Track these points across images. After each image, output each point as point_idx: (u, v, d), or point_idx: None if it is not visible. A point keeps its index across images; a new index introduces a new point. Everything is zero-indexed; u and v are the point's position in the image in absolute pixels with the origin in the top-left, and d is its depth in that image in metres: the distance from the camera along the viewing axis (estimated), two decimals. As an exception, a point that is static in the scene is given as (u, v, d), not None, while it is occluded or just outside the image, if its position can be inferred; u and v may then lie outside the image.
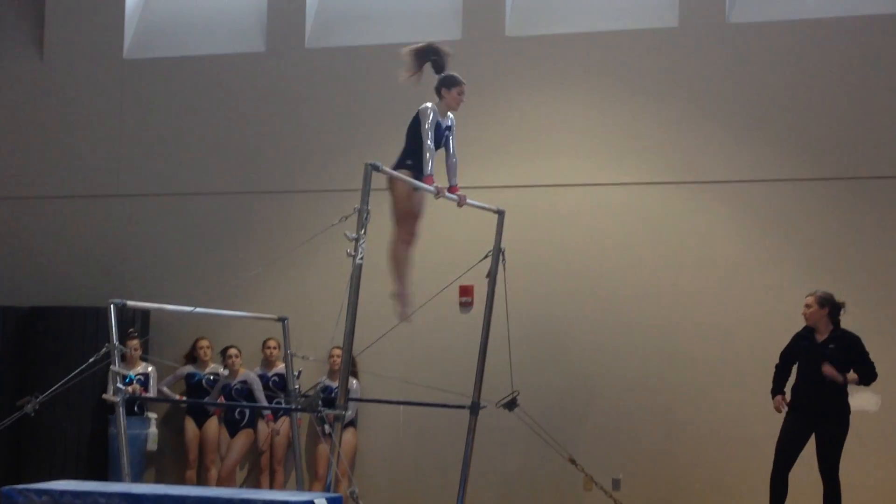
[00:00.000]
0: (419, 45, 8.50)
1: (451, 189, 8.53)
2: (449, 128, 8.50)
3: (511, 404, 9.47)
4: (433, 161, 8.19)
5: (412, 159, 8.24)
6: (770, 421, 9.12)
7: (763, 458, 9.07)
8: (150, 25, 12.58)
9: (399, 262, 8.59)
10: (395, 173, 8.10)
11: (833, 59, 10.54)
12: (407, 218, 8.47)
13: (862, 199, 10.35)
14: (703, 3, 10.89)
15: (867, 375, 8.86)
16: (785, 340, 9.19)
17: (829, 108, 10.50)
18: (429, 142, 8.16)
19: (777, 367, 9.17)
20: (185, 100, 12.27)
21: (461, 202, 8.59)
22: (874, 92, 10.40)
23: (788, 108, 10.60)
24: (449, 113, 8.50)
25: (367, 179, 7.51)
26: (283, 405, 10.39)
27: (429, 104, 8.33)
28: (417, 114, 8.30)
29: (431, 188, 8.16)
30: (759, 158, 10.62)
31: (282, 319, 9.91)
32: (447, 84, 8.41)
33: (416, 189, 8.25)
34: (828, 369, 8.75)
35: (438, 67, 8.44)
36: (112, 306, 7.79)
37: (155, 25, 12.58)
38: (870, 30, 10.46)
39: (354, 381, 10.77)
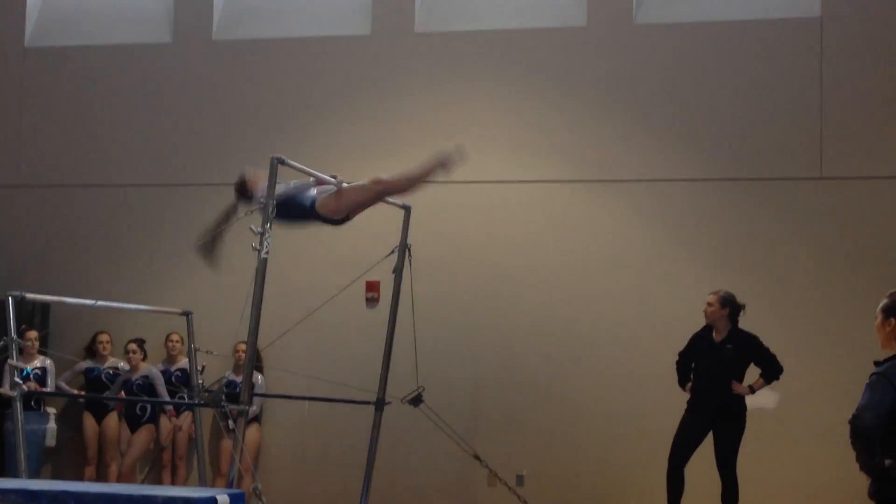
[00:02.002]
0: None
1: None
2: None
3: (416, 400, 9.48)
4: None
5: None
6: (672, 416, 9.23)
7: (665, 452, 9.18)
8: (53, 13, 12.35)
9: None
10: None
11: (734, 60, 10.72)
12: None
13: (762, 199, 10.53)
14: (611, 4, 11.00)
15: (773, 370, 9.00)
16: (687, 338, 9.32)
17: (731, 110, 10.67)
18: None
19: (677, 363, 9.30)
20: (89, 90, 12.07)
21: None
22: (774, 94, 10.59)
23: (692, 108, 10.75)
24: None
25: (272, 173, 7.43)
26: (186, 400, 10.28)
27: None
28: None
29: (334, 181, 7.96)
30: (664, 158, 10.75)
31: (186, 313, 9.80)
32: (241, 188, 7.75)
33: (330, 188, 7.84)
34: (737, 388, 8.90)
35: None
36: (10, 299, 7.63)
37: (58, 13, 12.35)
38: (769, 33, 10.65)
39: (259, 377, 10.70)
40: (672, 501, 8.98)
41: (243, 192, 7.73)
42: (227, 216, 7.76)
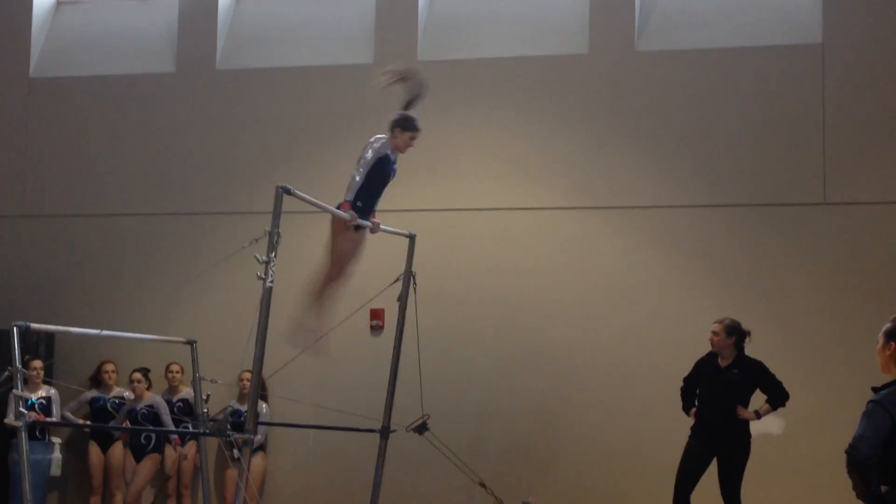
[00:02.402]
0: (406, 70, 8.26)
1: (371, 215, 8.26)
2: (391, 165, 8.18)
3: (421, 428, 9.46)
4: (356, 191, 7.98)
5: (363, 201, 8.05)
6: (677, 444, 9.21)
7: (670, 480, 9.15)
8: (58, 44, 12.41)
9: (322, 297, 8.34)
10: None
11: (737, 87, 10.74)
12: (343, 256, 8.23)
13: (766, 224, 10.54)
14: (613, 31, 11.04)
15: (779, 396, 8.97)
16: (688, 363, 9.30)
17: (734, 136, 10.69)
18: (357, 176, 7.92)
19: (682, 388, 9.28)
20: (93, 120, 12.11)
21: (374, 229, 8.36)
22: (776, 120, 10.61)
23: (695, 135, 10.77)
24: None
25: (277, 202, 7.44)
26: (191, 429, 10.27)
27: (382, 137, 8.10)
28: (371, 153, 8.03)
29: (346, 215, 8.06)
30: (668, 184, 10.77)
31: (190, 342, 9.79)
32: (403, 125, 8.12)
33: (351, 227, 8.02)
34: (743, 413, 8.88)
35: (410, 97, 8.21)
36: (15, 328, 7.62)
37: (63, 44, 12.41)
38: (772, 60, 10.68)
39: (264, 405, 10.68)
40: None
41: (413, 91, 8.17)
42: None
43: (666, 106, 10.88)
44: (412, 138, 8.14)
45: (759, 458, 9.20)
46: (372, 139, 8.09)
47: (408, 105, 8.20)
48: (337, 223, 8.09)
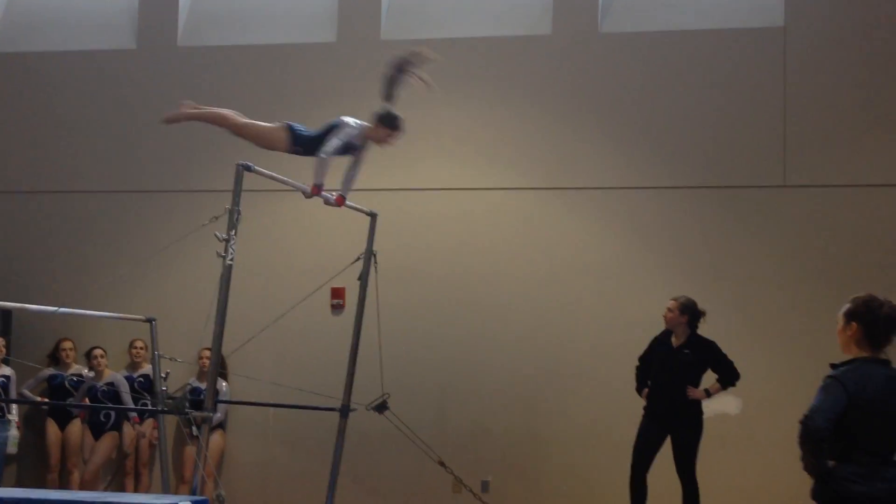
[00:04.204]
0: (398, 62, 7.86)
1: (337, 199, 8.13)
2: (358, 149, 7.95)
3: (381, 407, 9.47)
4: (324, 173, 7.78)
5: (305, 146, 7.81)
6: (636, 422, 9.26)
7: (628, 459, 9.21)
8: (18, 19, 12.28)
9: (206, 117, 8.24)
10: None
11: (699, 69, 10.79)
12: (246, 133, 8.05)
13: (725, 207, 10.60)
14: (576, 13, 11.06)
15: (730, 376, 9.02)
16: (646, 342, 9.36)
17: (696, 118, 10.74)
18: (324, 154, 7.69)
19: (637, 367, 9.33)
20: (54, 96, 12.00)
21: (338, 202, 8.18)
22: (737, 102, 10.67)
23: (656, 116, 10.82)
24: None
25: (238, 180, 7.43)
26: (150, 407, 10.23)
27: (352, 121, 7.81)
28: (337, 121, 7.82)
29: (307, 188, 7.96)
30: (630, 165, 10.81)
31: (150, 320, 9.74)
32: (387, 123, 7.79)
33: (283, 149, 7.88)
34: (693, 392, 8.93)
35: (392, 83, 7.79)
36: (-28, 305, 7.58)
37: (22, 20, 12.27)
38: (734, 42, 10.73)
39: (223, 383, 10.66)
40: None
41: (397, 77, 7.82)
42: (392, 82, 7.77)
43: (628, 88, 10.91)
44: (392, 137, 7.85)
45: (717, 437, 9.27)
46: (346, 121, 7.82)
47: (389, 89, 7.83)
48: (270, 129, 7.92)
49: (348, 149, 7.89)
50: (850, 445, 4.74)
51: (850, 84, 10.49)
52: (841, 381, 4.75)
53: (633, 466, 9.02)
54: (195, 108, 8.19)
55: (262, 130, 7.96)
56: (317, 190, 7.86)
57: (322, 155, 7.74)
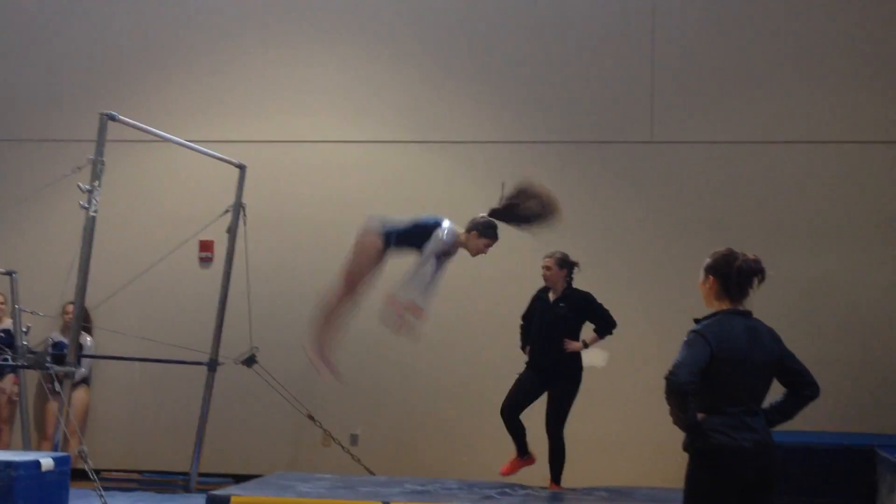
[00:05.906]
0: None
1: (421, 315, 7.77)
2: (448, 255, 7.65)
3: (250, 361, 9.43)
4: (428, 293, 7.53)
5: (403, 244, 7.58)
6: (507, 378, 9.31)
7: (497, 414, 9.28)
8: None
9: (331, 319, 7.91)
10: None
11: (569, 25, 10.86)
12: (359, 276, 7.83)
13: (595, 161, 10.73)
14: (445, -34, 11.03)
15: (606, 325, 9.05)
16: (521, 299, 9.41)
17: (565, 73, 10.82)
18: (423, 271, 7.44)
19: (521, 326, 9.33)
20: None
21: (420, 317, 7.80)
22: (607, 60, 10.78)
23: (527, 71, 10.87)
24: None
25: (102, 129, 7.28)
26: (10, 362, 9.99)
27: (451, 227, 7.54)
28: (436, 225, 7.55)
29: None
30: (499, 119, 10.85)
31: (10, 273, 9.50)
32: (485, 233, 7.59)
33: (376, 254, 7.65)
34: (570, 345, 8.96)
35: (528, 214, 7.58)
36: None
37: None
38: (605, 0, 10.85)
39: (88, 338, 10.46)
40: (518, 441, 8.98)
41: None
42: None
43: (498, 41, 10.93)
44: (487, 246, 7.61)
45: (584, 391, 9.39)
46: (441, 229, 7.53)
47: (522, 220, 7.63)
48: (362, 245, 7.70)
49: (438, 256, 7.53)
50: (717, 397, 4.84)
51: (717, 44, 10.68)
52: (703, 335, 4.85)
53: (504, 410, 8.95)
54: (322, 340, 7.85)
55: (361, 258, 7.67)
56: (420, 312, 7.55)
57: (422, 267, 7.45)
